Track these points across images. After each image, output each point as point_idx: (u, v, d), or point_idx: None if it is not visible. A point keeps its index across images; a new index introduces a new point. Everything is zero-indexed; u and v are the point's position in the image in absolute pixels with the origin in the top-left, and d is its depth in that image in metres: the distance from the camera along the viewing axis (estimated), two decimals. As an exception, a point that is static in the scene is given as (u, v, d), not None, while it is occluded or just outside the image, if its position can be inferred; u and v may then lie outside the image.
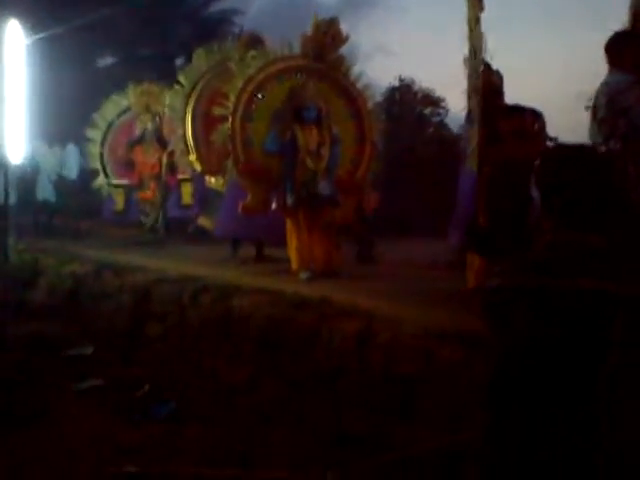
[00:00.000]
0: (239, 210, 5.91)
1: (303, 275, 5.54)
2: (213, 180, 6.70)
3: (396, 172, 9.33)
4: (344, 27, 6.07)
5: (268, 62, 5.96)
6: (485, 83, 4.63)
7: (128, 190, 8.89)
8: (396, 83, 19.43)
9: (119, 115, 9.26)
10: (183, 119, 6.73)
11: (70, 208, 9.25)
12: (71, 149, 9.24)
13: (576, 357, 1.51)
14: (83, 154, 9.62)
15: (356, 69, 6.38)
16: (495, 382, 1.68)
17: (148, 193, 8.53)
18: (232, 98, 5.82)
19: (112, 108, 9.29)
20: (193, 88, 6.72)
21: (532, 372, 1.55)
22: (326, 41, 6.01)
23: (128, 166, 8.67)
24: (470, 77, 4.75)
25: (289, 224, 5.84)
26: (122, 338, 5.20)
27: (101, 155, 9.12)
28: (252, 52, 6.08)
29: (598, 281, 1.47)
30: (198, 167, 6.76)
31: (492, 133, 4.57)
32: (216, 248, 7.14)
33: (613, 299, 1.47)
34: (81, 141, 10.93)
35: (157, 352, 4.86)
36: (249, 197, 5.90)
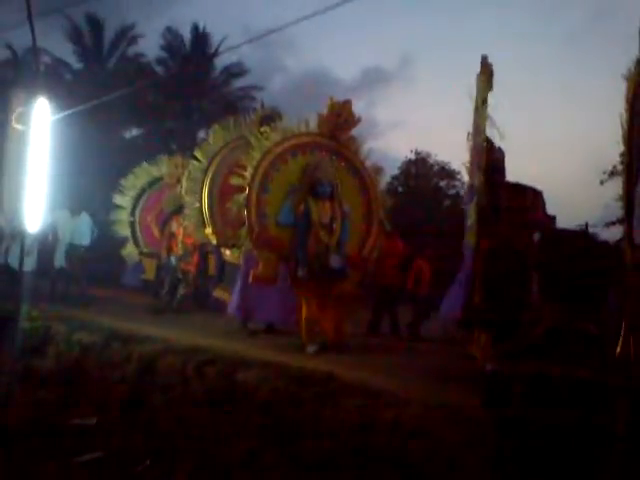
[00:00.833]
0: (250, 281, 5.96)
1: (310, 349, 5.49)
2: (228, 252, 6.79)
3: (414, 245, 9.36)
4: (361, 103, 6.35)
5: (285, 137, 6.15)
6: (486, 160, 4.75)
7: (159, 259, 8.93)
8: (412, 156, 19.89)
9: (150, 184, 9.45)
10: (200, 192, 6.89)
11: (79, 274, 9.32)
12: (84, 217, 9.43)
13: (574, 445, 1.48)
14: (96, 222, 9.81)
15: (366, 148, 6.61)
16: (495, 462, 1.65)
17: (191, 264, 8.55)
18: (250, 169, 5.97)
19: (143, 177, 9.48)
20: (210, 163, 6.91)
21: (528, 454, 1.53)
22: (340, 121, 6.23)
23: (169, 236, 8.65)
24: (472, 153, 4.88)
25: (299, 297, 5.84)
26: (126, 408, 5.12)
27: (132, 223, 9.27)
28: (265, 128, 6.27)
29: (593, 370, 1.47)
30: (214, 240, 6.86)
31: (492, 209, 4.65)
32: (231, 319, 7.14)
33: (610, 390, 1.46)
34: (104, 209, 11.19)
35: (160, 424, 4.76)
36: (260, 267, 5.95)
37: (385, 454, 3.32)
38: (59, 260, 9.17)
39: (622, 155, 3.88)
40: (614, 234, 10.78)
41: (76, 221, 9.25)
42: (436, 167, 19.24)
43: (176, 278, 8.52)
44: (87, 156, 14.84)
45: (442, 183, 19.29)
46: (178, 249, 8.46)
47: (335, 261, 5.79)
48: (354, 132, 6.47)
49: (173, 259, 8.48)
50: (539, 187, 4.96)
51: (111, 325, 6.79)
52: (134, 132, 20.72)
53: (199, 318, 7.79)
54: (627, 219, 3.69)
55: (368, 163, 6.58)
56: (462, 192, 17.50)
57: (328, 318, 5.72)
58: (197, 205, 6.93)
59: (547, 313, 1.47)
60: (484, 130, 4.83)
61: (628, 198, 3.72)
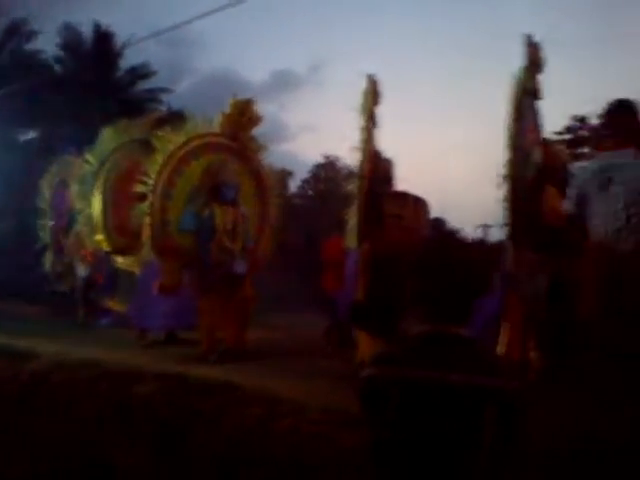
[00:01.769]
0: (154, 292, 5.79)
1: (211, 358, 5.36)
2: (121, 260, 6.47)
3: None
4: (271, 106, 6.30)
5: (189, 138, 5.95)
6: (374, 169, 4.92)
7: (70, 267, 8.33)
8: (322, 160, 20.10)
9: (60, 184, 8.79)
10: (91, 199, 6.55)
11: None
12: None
13: (448, 451, 1.48)
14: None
15: (270, 149, 6.61)
16: (372, 472, 1.63)
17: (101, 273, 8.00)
18: (153, 175, 5.74)
19: (53, 178, 8.86)
20: (101, 166, 6.59)
21: (403, 463, 1.51)
22: (242, 120, 6.11)
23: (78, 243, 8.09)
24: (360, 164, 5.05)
25: (201, 304, 5.68)
26: (6, 432, 4.75)
27: (52, 229, 8.61)
28: (163, 131, 6.06)
29: (468, 375, 1.47)
30: (106, 247, 6.53)
31: (376, 214, 4.81)
32: (126, 330, 6.82)
33: (483, 393, 1.47)
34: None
35: (49, 444, 4.45)
36: (163, 276, 5.75)
37: (282, 462, 3.26)
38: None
39: (507, 160, 4.05)
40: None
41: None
42: (345, 171, 19.52)
43: (87, 290, 8.01)
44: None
45: (351, 187, 19.57)
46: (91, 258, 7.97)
47: (239, 267, 5.69)
48: (259, 133, 6.41)
49: (84, 269, 7.95)
50: (424, 194, 5.17)
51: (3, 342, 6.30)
52: (30, 134, 19.55)
53: (94, 330, 7.39)
54: (510, 219, 3.90)
55: (267, 164, 6.54)
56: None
57: (230, 325, 5.60)
58: (87, 211, 6.57)
59: (421, 317, 1.48)
60: (371, 141, 4.96)
61: (512, 200, 3.92)
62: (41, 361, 5.26)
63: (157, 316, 6.09)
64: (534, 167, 4.31)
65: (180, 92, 22.79)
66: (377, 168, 4.98)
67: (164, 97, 21.24)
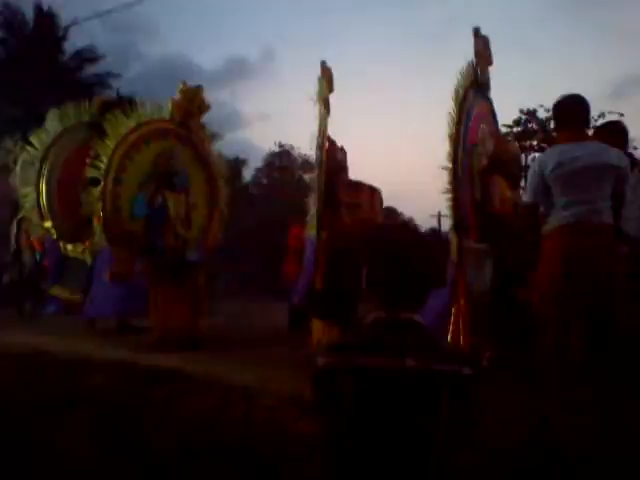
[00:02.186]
0: (105, 279, 5.74)
1: (163, 346, 5.30)
2: (70, 247, 6.31)
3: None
4: (225, 93, 6.28)
5: (139, 123, 5.87)
6: (329, 158, 4.95)
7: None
8: (276, 148, 20.00)
9: None
10: (37, 184, 6.34)
11: None
12: None
13: (404, 437, 1.49)
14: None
15: (216, 139, 6.61)
16: (325, 462, 1.63)
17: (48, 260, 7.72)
18: (104, 159, 5.65)
19: None
20: (47, 151, 6.38)
21: (360, 450, 1.51)
22: (191, 108, 6.05)
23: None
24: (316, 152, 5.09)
25: (153, 292, 5.59)
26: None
27: None
28: (111, 114, 5.93)
29: (423, 361, 1.49)
30: (54, 234, 6.35)
31: (332, 203, 4.88)
32: (74, 318, 6.66)
33: (438, 379, 1.49)
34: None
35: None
36: (116, 263, 5.69)
37: (234, 450, 3.25)
38: None
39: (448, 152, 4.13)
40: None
41: None
42: (299, 160, 19.50)
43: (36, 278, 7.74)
44: None
45: (306, 176, 19.60)
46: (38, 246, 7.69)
47: (193, 255, 5.65)
48: (211, 120, 6.38)
49: (38, 256, 7.67)
50: (378, 184, 5.29)
51: None
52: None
53: (41, 319, 7.18)
54: (453, 209, 4.00)
55: (216, 152, 6.57)
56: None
57: (183, 313, 5.54)
58: (33, 197, 6.36)
59: (375, 304, 1.50)
60: (325, 130, 4.99)
61: (453, 190, 4.02)
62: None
63: (108, 303, 5.97)
64: (484, 157, 4.43)
65: (130, 77, 22.19)
66: (332, 157, 5.00)
67: (113, 82, 20.69)
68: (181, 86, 6.06)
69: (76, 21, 17.13)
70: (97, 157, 5.73)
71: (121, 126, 5.77)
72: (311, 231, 4.85)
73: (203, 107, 6.17)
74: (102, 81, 20.59)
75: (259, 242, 13.93)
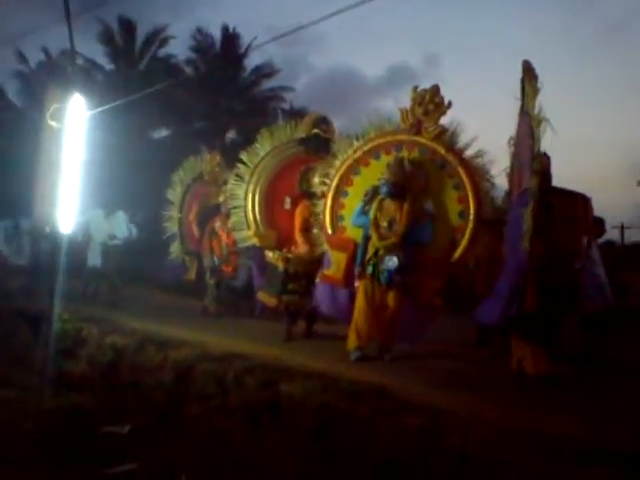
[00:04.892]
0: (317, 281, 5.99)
1: (353, 355, 5.26)
2: (271, 254, 6.63)
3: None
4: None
5: (367, 140, 5.96)
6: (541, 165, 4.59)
7: (200, 260, 8.67)
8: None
9: (195, 180, 9.14)
10: (245, 196, 6.75)
11: (113, 275, 9.19)
12: (120, 215, 9.28)
13: None
14: (136, 220, 9.59)
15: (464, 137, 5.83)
16: None
17: (230, 267, 8.27)
18: (332, 176, 6.01)
19: (190, 172, 9.22)
20: (256, 166, 6.76)
21: None
22: (427, 111, 5.74)
23: (210, 236, 8.40)
24: (517, 158, 4.65)
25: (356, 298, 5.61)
26: (161, 418, 4.89)
27: (179, 220, 9.05)
28: (315, 130, 6.30)
29: None
30: (256, 241, 6.70)
31: (546, 215, 4.54)
32: (264, 322, 6.96)
33: None
34: (133, 208, 11.03)
35: (197, 436, 4.52)
36: (332, 267, 5.84)
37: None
38: (92, 259, 9.06)
39: None
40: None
41: (111, 220, 9.13)
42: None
43: (219, 281, 8.31)
44: (119, 156, 14.78)
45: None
46: (221, 250, 8.25)
47: (388, 264, 5.43)
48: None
49: (217, 260, 8.29)
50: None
51: (145, 328, 6.59)
52: (163, 132, 20.73)
53: (237, 323, 7.57)
54: None
55: (468, 154, 5.77)
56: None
57: (379, 323, 5.47)
58: (242, 206, 6.77)
59: None
60: (538, 134, 4.55)
61: None
62: (191, 351, 5.39)
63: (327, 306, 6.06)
64: None
65: (300, 90, 23.09)
66: (543, 164, 4.61)
67: (287, 95, 21.72)
68: (412, 92, 5.80)
69: (256, 43, 18.20)
70: (326, 174, 6.09)
71: (350, 147, 5.99)
72: (525, 245, 4.41)
73: (438, 109, 5.70)
74: (276, 95, 21.68)
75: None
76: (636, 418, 3.70)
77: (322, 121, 6.71)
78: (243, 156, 6.77)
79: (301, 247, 6.38)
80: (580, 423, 3.49)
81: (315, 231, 6.22)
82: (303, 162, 6.68)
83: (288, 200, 6.68)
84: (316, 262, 6.17)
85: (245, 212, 6.68)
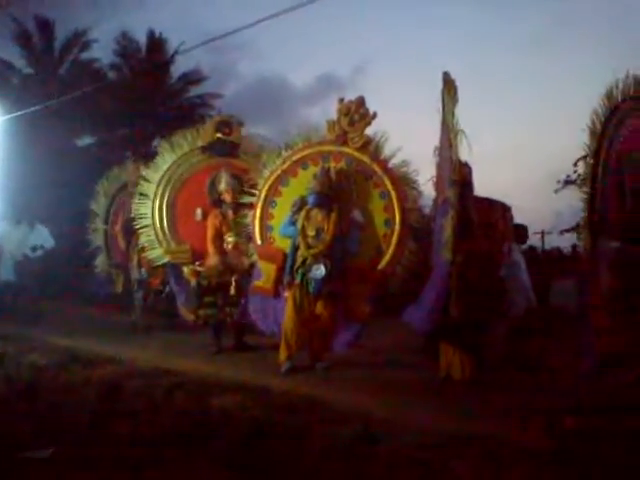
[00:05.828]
0: (250, 292, 5.95)
1: (284, 367, 5.26)
2: (186, 269, 6.47)
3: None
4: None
5: (295, 150, 6.02)
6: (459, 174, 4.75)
7: (127, 272, 8.47)
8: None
9: (119, 190, 8.90)
10: (152, 213, 6.58)
11: (32, 289, 8.80)
12: (39, 229, 8.91)
13: None
14: (55, 232, 9.26)
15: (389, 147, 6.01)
16: None
17: (157, 280, 8.13)
18: (261, 187, 6.02)
19: (114, 182, 8.94)
20: (159, 181, 6.60)
21: None
22: (353, 122, 5.85)
23: (138, 247, 8.14)
24: (440, 167, 4.85)
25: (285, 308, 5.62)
26: (84, 439, 4.68)
27: (105, 232, 8.76)
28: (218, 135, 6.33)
29: None
30: (169, 258, 6.56)
31: (464, 224, 4.68)
32: (192, 335, 6.80)
33: None
34: (54, 220, 10.60)
35: (126, 456, 4.35)
36: (262, 278, 5.86)
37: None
38: (4, 273, 8.64)
39: (586, 164, 4.14)
40: (569, 240, 11.25)
41: (23, 232, 8.74)
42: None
43: (147, 294, 8.13)
44: (38, 165, 14.09)
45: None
46: (148, 262, 8.08)
47: (316, 273, 5.51)
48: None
49: (144, 273, 8.06)
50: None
51: (68, 345, 6.32)
52: (87, 140, 19.97)
53: (165, 337, 7.38)
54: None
55: (393, 163, 5.93)
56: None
57: (310, 332, 5.49)
58: (150, 225, 6.59)
59: None
60: (457, 145, 4.74)
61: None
62: (118, 368, 5.20)
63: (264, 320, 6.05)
64: None
65: (228, 97, 22.80)
66: (462, 173, 4.77)
67: (215, 102, 21.46)
68: (338, 104, 5.90)
69: (183, 49, 17.85)
70: (252, 185, 6.12)
71: (278, 157, 6.04)
72: (446, 255, 4.58)
73: (363, 120, 5.81)
74: (204, 102, 21.40)
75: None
76: (553, 414, 3.88)
77: (224, 124, 6.65)
78: (144, 172, 6.61)
79: (212, 258, 6.31)
80: (504, 424, 3.63)
81: (230, 239, 6.25)
82: (211, 169, 6.61)
83: (199, 212, 6.57)
84: (231, 271, 6.14)
85: (154, 230, 6.53)
